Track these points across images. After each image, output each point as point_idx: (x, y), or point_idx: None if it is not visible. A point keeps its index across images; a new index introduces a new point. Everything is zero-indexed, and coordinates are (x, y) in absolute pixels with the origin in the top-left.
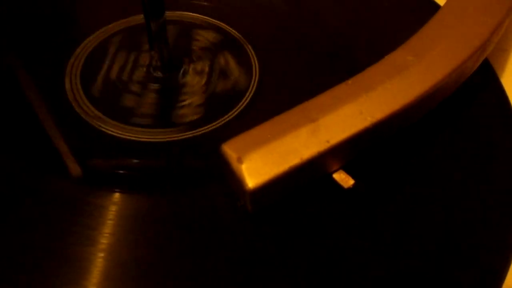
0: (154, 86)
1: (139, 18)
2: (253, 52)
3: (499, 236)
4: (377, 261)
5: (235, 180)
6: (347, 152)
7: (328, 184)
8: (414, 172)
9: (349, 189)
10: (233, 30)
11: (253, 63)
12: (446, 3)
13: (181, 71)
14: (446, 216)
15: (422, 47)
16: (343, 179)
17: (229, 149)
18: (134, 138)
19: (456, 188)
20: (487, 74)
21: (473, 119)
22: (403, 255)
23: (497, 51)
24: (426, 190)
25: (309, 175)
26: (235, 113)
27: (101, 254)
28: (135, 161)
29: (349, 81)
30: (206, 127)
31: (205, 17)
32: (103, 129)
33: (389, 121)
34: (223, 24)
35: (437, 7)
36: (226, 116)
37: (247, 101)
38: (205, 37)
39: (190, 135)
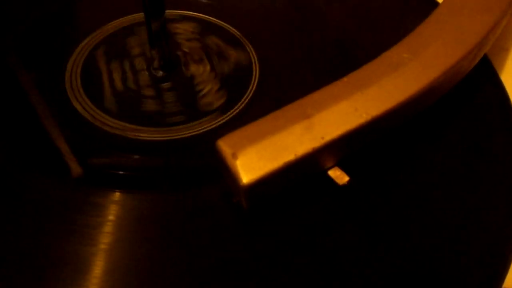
0: (165, 85)
1: (139, 17)
2: (253, 52)
3: (499, 236)
4: (375, 259)
5: (230, 176)
6: (342, 148)
7: (323, 180)
8: (412, 170)
9: (344, 186)
10: (233, 30)
11: (253, 63)
12: (444, 1)
13: (182, 66)
14: (445, 215)
15: (418, 45)
16: (338, 176)
17: (224, 145)
18: (134, 138)
19: (455, 187)
20: (487, 72)
21: (473, 117)
22: (402, 254)
23: (498, 49)
24: (424, 189)
25: (304, 172)
26: (235, 112)
27: (101, 254)
28: (135, 160)
29: (345, 78)
30: (234, 108)
31: (205, 16)
32: (104, 129)
33: (384, 118)
34: (224, 23)
35: (435, 4)
36: (226, 115)
37: (247, 100)
38: (205, 37)
39: (206, 129)
